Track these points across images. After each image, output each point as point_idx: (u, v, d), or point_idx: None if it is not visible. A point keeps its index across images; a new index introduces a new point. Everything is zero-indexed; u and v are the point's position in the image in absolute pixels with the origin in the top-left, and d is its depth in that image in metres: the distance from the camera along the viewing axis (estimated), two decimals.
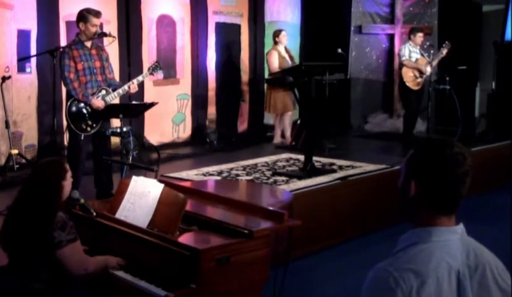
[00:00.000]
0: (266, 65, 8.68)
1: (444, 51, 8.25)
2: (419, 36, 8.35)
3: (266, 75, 8.66)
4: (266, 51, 8.81)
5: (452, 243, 1.63)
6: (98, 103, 5.30)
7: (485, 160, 7.45)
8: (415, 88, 8.25)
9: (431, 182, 1.64)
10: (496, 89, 9.44)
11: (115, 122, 5.99)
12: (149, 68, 5.73)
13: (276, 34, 8.37)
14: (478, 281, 1.62)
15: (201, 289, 2.78)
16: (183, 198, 3.10)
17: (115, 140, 5.91)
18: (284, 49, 8.35)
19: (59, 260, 2.88)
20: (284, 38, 8.33)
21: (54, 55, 5.22)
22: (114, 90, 5.45)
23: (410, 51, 8.30)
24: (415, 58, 8.29)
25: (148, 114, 7.23)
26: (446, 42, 8.29)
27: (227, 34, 8.90)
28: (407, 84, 8.23)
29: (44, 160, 3.15)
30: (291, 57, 8.41)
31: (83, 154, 5.38)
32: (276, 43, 8.35)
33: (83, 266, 2.96)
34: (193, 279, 2.78)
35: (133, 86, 5.50)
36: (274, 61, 8.17)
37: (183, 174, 6.15)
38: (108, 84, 5.50)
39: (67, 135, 5.53)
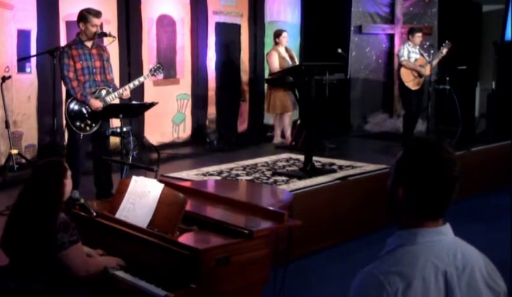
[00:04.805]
0: (266, 65, 8.67)
1: (445, 51, 8.22)
2: (418, 36, 8.34)
3: (266, 75, 8.66)
4: (266, 51, 8.80)
5: (438, 244, 1.63)
6: (96, 103, 5.29)
7: (485, 160, 7.44)
8: (415, 88, 8.25)
9: (419, 188, 1.63)
10: (496, 89, 9.44)
11: (115, 122, 5.99)
12: (151, 70, 5.73)
13: (277, 34, 8.35)
14: (466, 281, 1.61)
15: (201, 289, 2.78)
16: (183, 198, 3.10)
17: (115, 140, 5.90)
18: (284, 50, 8.34)
19: (61, 261, 2.89)
20: (284, 39, 8.31)
21: (53, 55, 5.21)
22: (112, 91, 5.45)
23: (409, 51, 8.28)
24: (414, 58, 8.28)
25: (148, 114, 7.23)
26: (447, 41, 8.26)
27: (227, 34, 8.90)
28: (406, 84, 8.22)
29: (44, 160, 3.15)
30: (292, 57, 8.38)
31: (82, 154, 5.38)
32: (276, 43, 8.34)
33: (84, 267, 2.96)
34: (193, 279, 2.78)
35: (126, 93, 5.49)
36: (274, 62, 8.15)
37: (183, 174, 6.15)
38: (106, 85, 5.49)
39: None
